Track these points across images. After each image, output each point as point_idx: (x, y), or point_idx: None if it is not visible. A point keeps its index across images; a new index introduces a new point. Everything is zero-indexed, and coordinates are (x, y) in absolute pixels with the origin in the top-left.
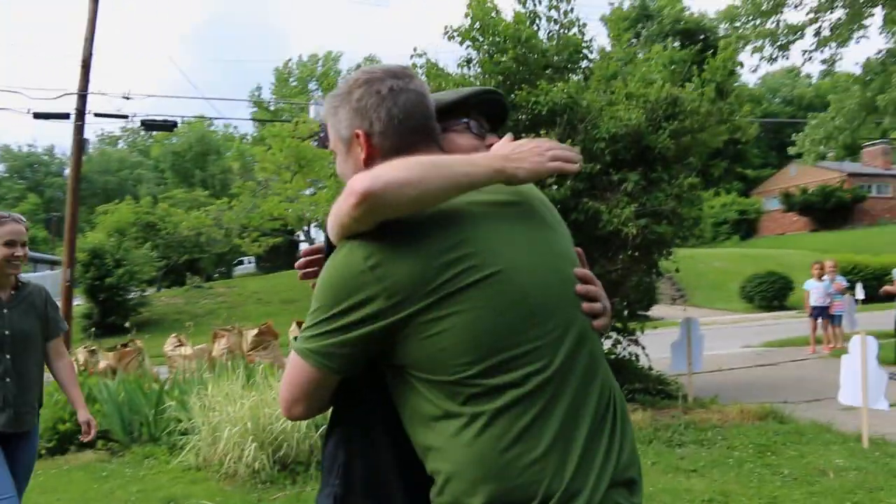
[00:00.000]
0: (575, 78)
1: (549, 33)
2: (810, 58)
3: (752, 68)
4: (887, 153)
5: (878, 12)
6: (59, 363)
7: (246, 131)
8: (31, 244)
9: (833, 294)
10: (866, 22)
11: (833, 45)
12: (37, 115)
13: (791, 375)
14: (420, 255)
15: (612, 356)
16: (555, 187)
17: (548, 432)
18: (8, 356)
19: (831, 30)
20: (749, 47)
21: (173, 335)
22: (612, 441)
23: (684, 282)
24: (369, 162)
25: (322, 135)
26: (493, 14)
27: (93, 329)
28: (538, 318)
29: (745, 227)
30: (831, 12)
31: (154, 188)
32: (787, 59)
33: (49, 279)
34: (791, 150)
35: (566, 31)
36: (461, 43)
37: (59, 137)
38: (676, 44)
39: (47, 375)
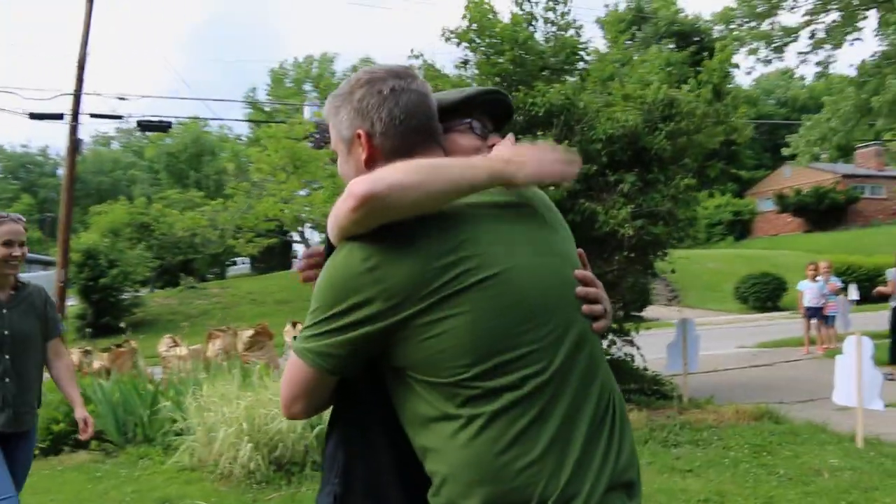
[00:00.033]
0: (571, 79)
1: (545, 35)
2: (805, 60)
3: (747, 70)
4: (880, 155)
5: (873, 15)
6: (58, 363)
7: (241, 132)
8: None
9: (827, 295)
10: (860, 24)
11: (828, 47)
12: (32, 116)
13: (785, 376)
14: (419, 258)
15: (608, 357)
16: (552, 188)
17: (545, 435)
18: (7, 356)
19: (826, 32)
20: (744, 49)
21: (167, 335)
22: (610, 443)
23: (679, 283)
24: (370, 162)
25: (317, 136)
26: (491, 16)
27: (87, 329)
28: (537, 321)
29: (740, 228)
30: (826, 14)
31: (148, 189)
32: (782, 60)
33: (42, 280)
34: (785, 151)
35: (563, 33)
36: (458, 44)
37: (53, 138)
38: (671, 45)
39: (45, 375)
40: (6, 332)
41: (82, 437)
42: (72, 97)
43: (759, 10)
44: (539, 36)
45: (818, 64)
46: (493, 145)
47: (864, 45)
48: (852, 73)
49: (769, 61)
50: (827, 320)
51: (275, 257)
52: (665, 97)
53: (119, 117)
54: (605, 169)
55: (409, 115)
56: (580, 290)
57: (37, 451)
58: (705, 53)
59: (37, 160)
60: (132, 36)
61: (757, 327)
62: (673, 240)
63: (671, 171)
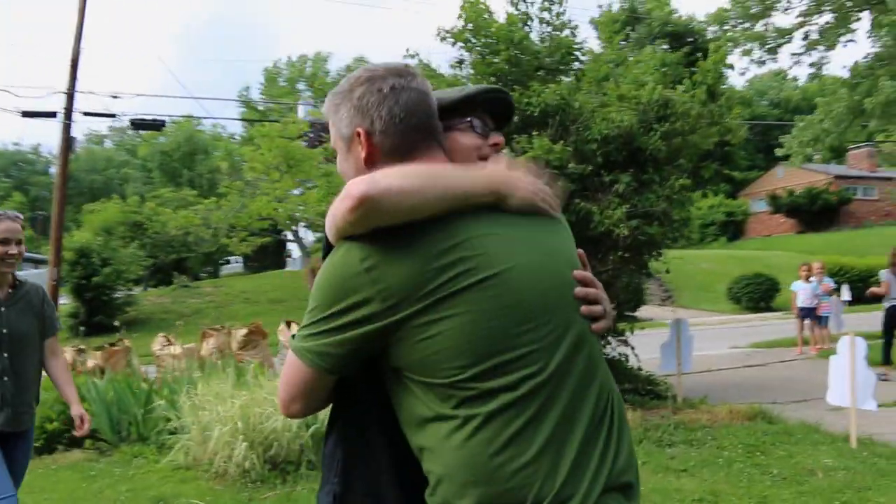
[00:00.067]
0: (567, 80)
1: (541, 35)
2: (798, 61)
3: (741, 71)
4: (873, 156)
5: (866, 16)
6: (53, 361)
7: (234, 131)
8: None
9: (820, 295)
10: (854, 26)
11: (821, 48)
12: (25, 114)
13: (779, 376)
14: (416, 258)
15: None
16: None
17: (540, 436)
18: (6, 355)
19: (819, 33)
20: (738, 50)
21: (161, 334)
22: (608, 445)
23: (672, 283)
24: (370, 160)
25: (311, 135)
26: (486, 15)
27: (82, 328)
28: (535, 322)
29: (733, 229)
30: (819, 16)
31: (141, 187)
32: (776, 62)
33: (34, 278)
34: (779, 152)
35: (558, 33)
36: (453, 44)
37: (45, 136)
38: (665, 46)
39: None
40: (4, 331)
41: (78, 433)
42: (65, 95)
43: (752, 11)
44: (534, 36)
45: (812, 65)
46: (494, 144)
47: (857, 47)
48: (845, 74)
49: (763, 62)
50: (820, 321)
51: (268, 256)
52: (660, 98)
53: (113, 116)
54: (601, 169)
55: (409, 114)
56: (579, 290)
57: None
58: (699, 54)
59: (29, 158)
60: (126, 34)
61: (750, 328)
62: (667, 240)
63: (666, 171)
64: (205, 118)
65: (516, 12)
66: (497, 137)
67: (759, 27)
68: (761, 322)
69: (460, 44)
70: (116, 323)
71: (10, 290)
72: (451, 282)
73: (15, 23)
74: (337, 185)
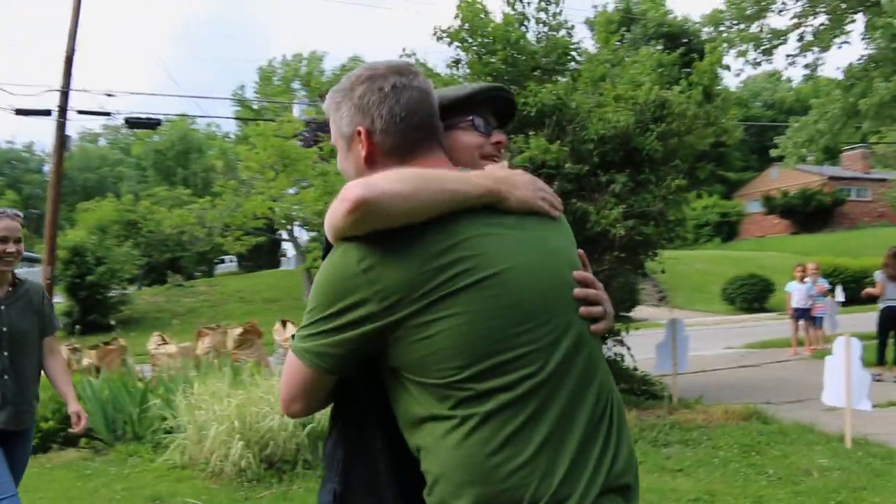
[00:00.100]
0: (563, 80)
1: (537, 35)
2: (793, 62)
3: (736, 72)
4: (866, 157)
5: (860, 18)
6: (51, 360)
7: (229, 130)
8: None
9: (815, 296)
10: (848, 28)
11: (816, 49)
12: (19, 112)
13: (773, 376)
14: (413, 259)
15: None
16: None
17: (537, 437)
18: (6, 353)
19: (814, 35)
20: (733, 51)
21: (156, 333)
22: (606, 446)
23: (666, 283)
24: (370, 159)
25: (306, 134)
26: (483, 15)
27: (76, 327)
28: (534, 322)
29: (727, 230)
30: (814, 17)
31: (135, 186)
32: (771, 63)
33: (28, 277)
34: (773, 153)
35: (555, 33)
36: (450, 44)
37: (39, 134)
38: (660, 47)
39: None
40: (5, 329)
41: (74, 429)
42: (59, 93)
43: (747, 12)
44: (531, 36)
45: (806, 66)
46: (497, 142)
47: (851, 49)
48: (839, 75)
49: (758, 63)
50: (815, 321)
51: (263, 255)
52: (657, 98)
53: (107, 114)
54: (597, 169)
55: (410, 113)
56: (578, 291)
57: None
58: (694, 55)
59: (22, 156)
60: (121, 32)
61: (744, 328)
62: (663, 240)
63: (662, 171)
64: (199, 117)
65: (513, 12)
66: (499, 136)
67: (754, 28)
68: (755, 323)
69: (457, 43)
70: (112, 322)
71: (9, 289)
72: (448, 282)
73: (9, 20)
74: (332, 185)
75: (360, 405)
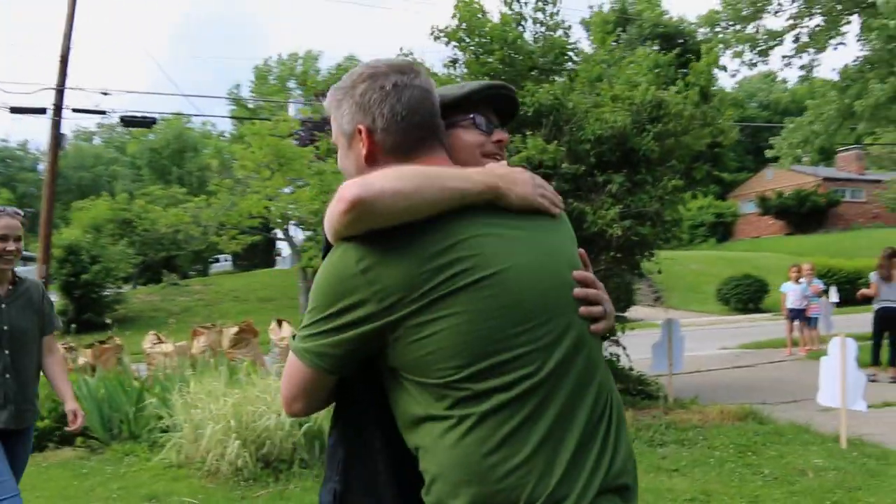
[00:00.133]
0: (560, 80)
1: (534, 35)
2: (789, 63)
3: (732, 73)
4: (861, 158)
5: (856, 20)
6: (49, 358)
7: (224, 128)
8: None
9: (810, 297)
10: (844, 29)
11: (811, 51)
12: (13, 110)
13: (769, 377)
14: (412, 259)
15: None
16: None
17: (535, 436)
18: (7, 352)
19: (809, 36)
20: (729, 52)
21: (152, 332)
22: (604, 447)
23: (661, 284)
24: (371, 158)
25: (302, 133)
26: (480, 15)
27: (71, 325)
28: (532, 322)
29: (722, 230)
30: (810, 19)
31: (130, 185)
32: (767, 64)
33: (22, 275)
34: (768, 154)
35: (552, 34)
36: (447, 44)
37: (34, 132)
38: (656, 47)
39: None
40: (5, 328)
41: (71, 427)
42: (54, 91)
43: (743, 13)
44: (528, 36)
45: (802, 67)
46: (498, 140)
47: (847, 50)
48: (835, 77)
49: (754, 64)
50: (810, 322)
51: (258, 255)
52: (653, 99)
53: (102, 113)
54: (594, 169)
55: (411, 112)
56: (578, 291)
57: None
58: (690, 56)
59: (16, 154)
60: (116, 31)
61: (738, 329)
62: (659, 240)
63: (659, 172)
64: (195, 115)
65: (510, 12)
66: (501, 134)
67: (749, 29)
68: (750, 323)
69: (454, 43)
70: (107, 321)
71: (10, 287)
72: (447, 282)
73: (4, 19)
74: (329, 184)
75: (359, 405)
